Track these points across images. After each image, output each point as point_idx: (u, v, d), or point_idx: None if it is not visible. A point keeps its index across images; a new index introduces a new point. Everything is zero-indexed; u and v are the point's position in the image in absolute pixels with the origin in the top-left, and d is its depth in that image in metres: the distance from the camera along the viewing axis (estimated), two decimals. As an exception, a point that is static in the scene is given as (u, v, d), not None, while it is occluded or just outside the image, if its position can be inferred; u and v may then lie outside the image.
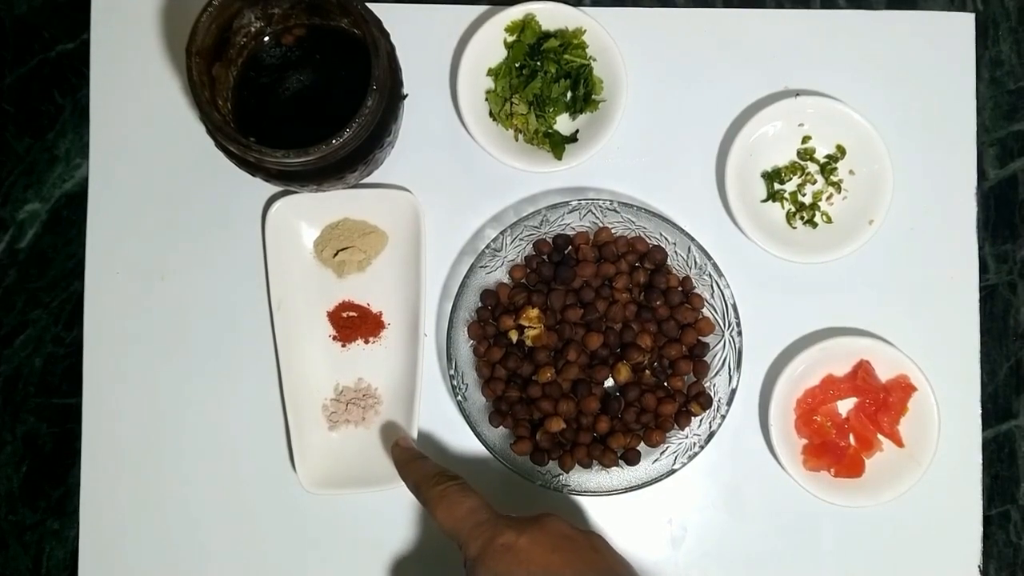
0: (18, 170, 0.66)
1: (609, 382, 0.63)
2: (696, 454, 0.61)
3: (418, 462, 0.58)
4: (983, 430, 0.66)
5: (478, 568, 0.50)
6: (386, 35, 0.56)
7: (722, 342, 0.62)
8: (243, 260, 0.65)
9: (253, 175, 0.56)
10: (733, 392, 0.61)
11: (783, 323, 0.66)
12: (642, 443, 0.62)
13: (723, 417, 0.61)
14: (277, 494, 0.64)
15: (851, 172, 0.66)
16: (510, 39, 0.65)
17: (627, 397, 0.62)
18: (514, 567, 0.49)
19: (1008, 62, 0.68)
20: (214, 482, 0.64)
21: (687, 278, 0.63)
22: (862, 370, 0.64)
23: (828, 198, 0.66)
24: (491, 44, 0.65)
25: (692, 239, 0.61)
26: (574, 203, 0.61)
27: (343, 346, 0.65)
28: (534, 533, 0.50)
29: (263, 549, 0.64)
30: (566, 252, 0.64)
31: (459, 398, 0.60)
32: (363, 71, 0.52)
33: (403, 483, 0.58)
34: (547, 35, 0.64)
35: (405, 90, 0.59)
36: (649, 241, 0.63)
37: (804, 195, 0.66)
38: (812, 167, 0.66)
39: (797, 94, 0.65)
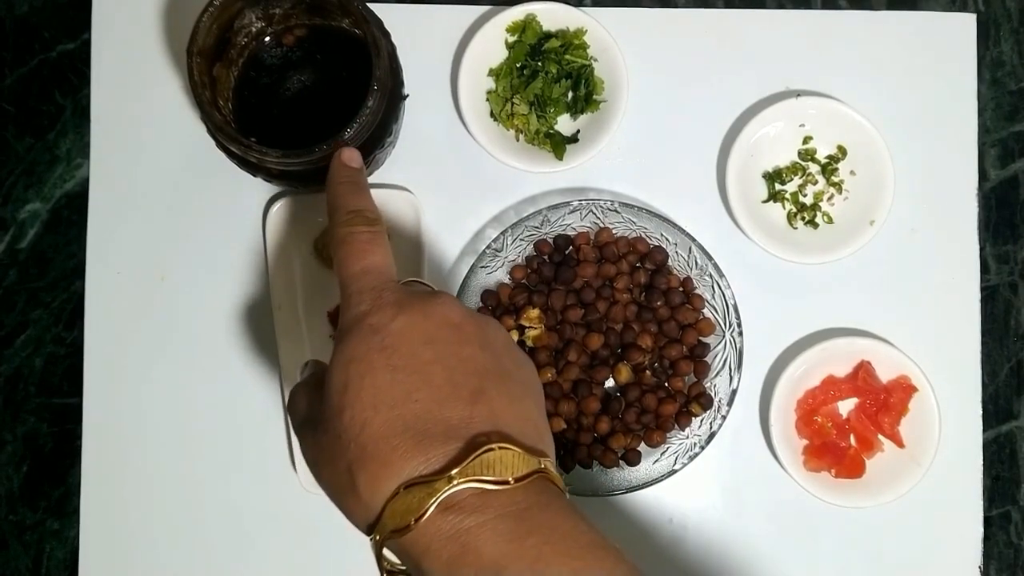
0: (19, 170, 0.66)
1: (610, 383, 0.63)
2: (697, 455, 0.61)
3: (347, 188, 0.48)
4: (984, 431, 0.66)
5: (338, 343, 0.42)
6: (387, 35, 0.56)
7: (723, 343, 0.62)
8: (244, 260, 0.65)
9: (254, 175, 0.56)
10: (734, 393, 0.61)
11: (784, 324, 0.66)
12: (643, 443, 0.62)
13: (724, 418, 0.61)
14: (277, 494, 0.64)
15: (852, 173, 0.66)
16: (511, 39, 0.65)
17: (628, 397, 0.62)
18: (375, 354, 0.41)
19: (1009, 63, 0.68)
20: (214, 482, 0.64)
21: (688, 279, 0.63)
22: (863, 371, 0.64)
23: (829, 199, 0.66)
24: (492, 44, 0.65)
25: (693, 240, 0.61)
26: (575, 203, 0.61)
27: (344, 346, 0.64)
28: (412, 316, 0.42)
29: (263, 549, 0.64)
30: (567, 252, 0.64)
31: (460, 398, 0.60)
32: (364, 71, 0.52)
33: None
34: (548, 35, 0.64)
35: (406, 90, 0.59)
36: (650, 242, 0.63)
37: (805, 196, 0.66)
38: (813, 168, 0.66)
39: (798, 95, 0.65)
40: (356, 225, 0.46)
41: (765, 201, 0.66)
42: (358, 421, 0.39)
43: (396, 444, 0.39)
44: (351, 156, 0.50)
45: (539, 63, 0.64)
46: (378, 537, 0.38)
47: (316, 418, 0.42)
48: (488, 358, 0.42)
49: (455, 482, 0.37)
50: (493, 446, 0.38)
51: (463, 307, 0.44)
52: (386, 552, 0.39)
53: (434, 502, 0.37)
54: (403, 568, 0.40)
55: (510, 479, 0.38)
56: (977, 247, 0.67)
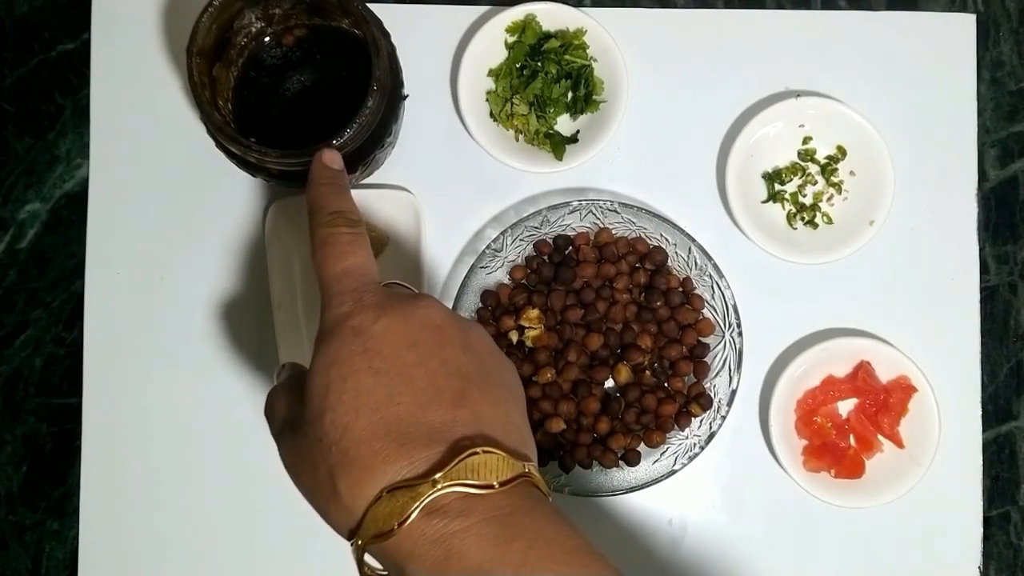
0: (18, 170, 0.66)
1: (609, 383, 0.63)
2: (696, 455, 0.61)
3: (328, 189, 0.48)
4: (983, 431, 0.66)
5: (318, 346, 0.41)
6: (387, 35, 0.56)
7: (722, 343, 0.62)
8: (244, 260, 0.65)
9: (254, 175, 0.56)
10: (733, 393, 0.61)
11: (783, 324, 0.66)
12: (642, 444, 0.62)
13: (723, 418, 0.61)
14: (277, 494, 0.64)
15: (852, 173, 0.66)
16: (511, 40, 0.65)
17: (627, 398, 0.62)
18: (357, 357, 0.40)
19: (1009, 63, 0.68)
20: (213, 482, 0.64)
21: (687, 279, 0.63)
22: (862, 371, 0.64)
23: (829, 199, 0.66)
24: (492, 45, 0.65)
25: (693, 240, 0.61)
26: (575, 204, 0.61)
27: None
28: (395, 319, 0.41)
29: (263, 548, 0.64)
30: (567, 253, 0.64)
31: (459, 399, 0.60)
32: (364, 71, 0.52)
33: None
34: (548, 36, 0.64)
35: (406, 91, 0.59)
36: (650, 242, 0.63)
37: (805, 196, 0.66)
38: (813, 168, 0.66)
39: (798, 95, 0.65)
40: (337, 226, 0.45)
41: (765, 201, 0.66)
42: (339, 424, 0.39)
43: (378, 448, 0.38)
44: (332, 158, 0.50)
45: (539, 63, 0.64)
46: (360, 542, 0.38)
47: (296, 422, 0.42)
48: (471, 361, 0.42)
49: (439, 486, 0.37)
50: (477, 449, 0.38)
51: (446, 310, 0.44)
52: (368, 558, 0.38)
53: (418, 506, 0.36)
54: (384, 573, 0.39)
55: (495, 483, 0.37)
56: (977, 247, 0.67)
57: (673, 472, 0.61)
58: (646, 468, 0.62)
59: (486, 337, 0.45)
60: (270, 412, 0.45)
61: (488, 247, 0.61)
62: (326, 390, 0.40)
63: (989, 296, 0.67)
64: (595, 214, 0.62)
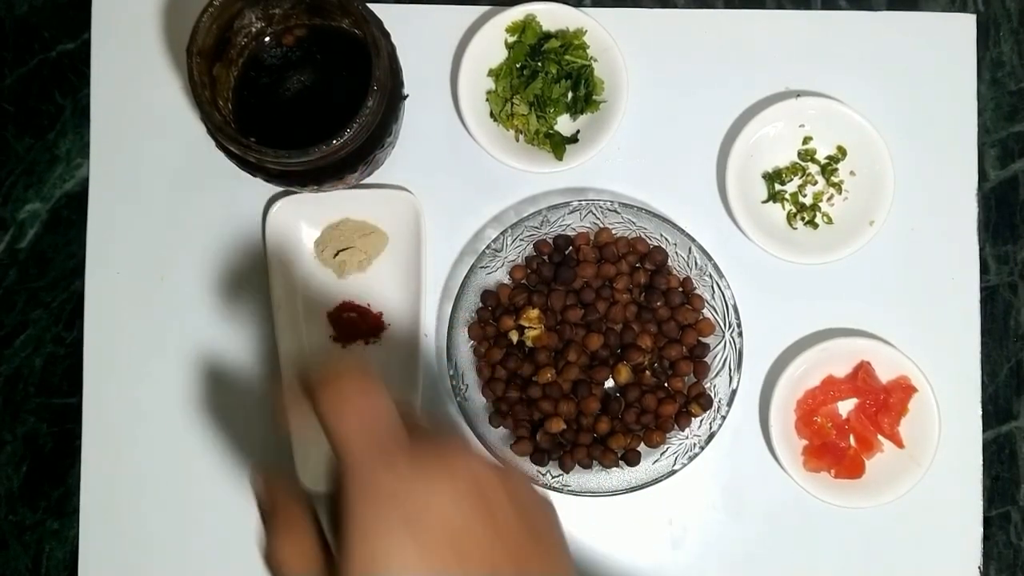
0: (18, 170, 0.66)
1: (609, 383, 0.63)
2: (696, 455, 0.61)
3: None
4: (983, 431, 0.66)
5: (348, 507, 0.36)
6: (387, 35, 0.56)
7: (722, 343, 0.62)
8: (243, 260, 0.65)
9: (254, 175, 0.56)
10: (733, 393, 0.61)
11: (783, 324, 0.66)
12: (642, 444, 0.62)
13: (723, 418, 0.61)
14: (277, 494, 0.64)
15: (852, 173, 0.66)
16: (511, 40, 0.65)
17: (627, 398, 0.62)
18: (397, 528, 0.35)
19: (1009, 63, 0.68)
20: (213, 482, 0.64)
21: (688, 279, 0.63)
22: (862, 371, 0.64)
23: (829, 199, 0.66)
24: (492, 45, 0.65)
25: (693, 240, 0.61)
26: (575, 204, 0.61)
27: (343, 347, 0.65)
28: (433, 475, 0.37)
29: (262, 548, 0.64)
30: (567, 253, 0.64)
31: (459, 399, 0.60)
32: (364, 71, 0.52)
33: None
34: (548, 36, 0.64)
35: (406, 90, 0.59)
36: (650, 242, 0.63)
37: (805, 196, 0.66)
38: (813, 168, 0.66)
39: (798, 95, 0.65)
40: (347, 369, 0.39)
41: (765, 201, 0.66)
42: None
43: None
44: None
45: (539, 63, 0.64)
46: None
47: None
48: (518, 518, 0.38)
49: None
50: None
51: (480, 458, 0.39)
52: None
53: None
54: None
55: None
56: (977, 247, 0.67)
57: (673, 472, 0.61)
58: (646, 468, 0.62)
59: (525, 481, 0.41)
60: (276, 565, 0.39)
61: (488, 247, 0.61)
62: (369, 568, 0.35)
63: (989, 296, 0.67)
64: (595, 214, 0.62)
